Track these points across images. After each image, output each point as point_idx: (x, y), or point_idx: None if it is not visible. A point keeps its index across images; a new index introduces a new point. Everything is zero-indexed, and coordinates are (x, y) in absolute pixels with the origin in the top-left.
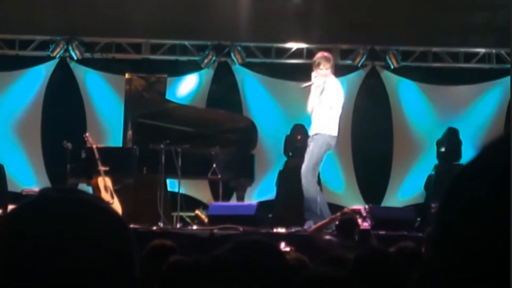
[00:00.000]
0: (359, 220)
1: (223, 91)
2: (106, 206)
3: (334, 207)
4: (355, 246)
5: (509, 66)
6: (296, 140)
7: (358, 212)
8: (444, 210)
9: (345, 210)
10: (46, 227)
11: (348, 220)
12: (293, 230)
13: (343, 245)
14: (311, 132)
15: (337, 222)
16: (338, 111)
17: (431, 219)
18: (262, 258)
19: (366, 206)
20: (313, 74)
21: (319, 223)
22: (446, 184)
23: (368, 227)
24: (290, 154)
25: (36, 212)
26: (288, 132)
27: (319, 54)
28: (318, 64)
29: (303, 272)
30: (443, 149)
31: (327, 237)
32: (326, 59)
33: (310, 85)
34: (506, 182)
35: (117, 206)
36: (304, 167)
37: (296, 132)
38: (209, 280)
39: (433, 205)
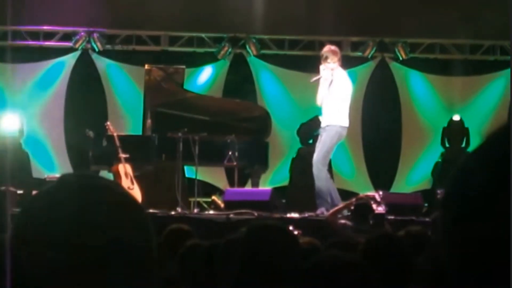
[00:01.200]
0: (374, 205)
1: (239, 81)
2: (124, 191)
3: (345, 193)
4: (369, 230)
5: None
6: (311, 130)
7: (372, 197)
8: (451, 198)
9: (360, 195)
10: (66, 211)
11: (363, 205)
12: (306, 215)
13: (358, 229)
14: (322, 123)
15: (352, 207)
16: (348, 102)
17: (438, 205)
18: (276, 242)
19: (381, 192)
20: (321, 67)
21: (335, 208)
22: (452, 171)
23: (383, 212)
24: (310, 141)
25: (56, 197)
26: (303, 121)
27: (326, 48)
28: (326, 58)
29: (314, 256)
30: (449, 137)
31: (342, 221)
32: (333, 52)
33: (318, 79)
34: (510, 170)
35: (137, 192)
36: (315, 156)
37: (311, 122)
38: (224, 263)
39: (438, 191)
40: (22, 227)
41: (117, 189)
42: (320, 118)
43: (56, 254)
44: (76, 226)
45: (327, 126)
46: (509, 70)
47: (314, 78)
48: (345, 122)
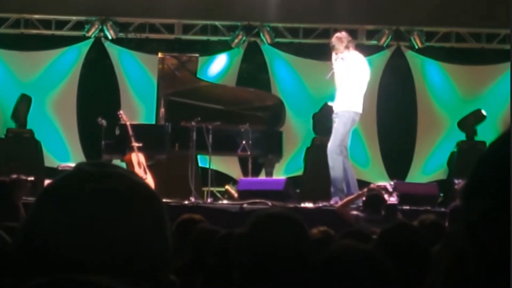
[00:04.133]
0: (386, 196)
1: (253, 70)
2: (140, 180)
3: (360, 183)
4: (382, 221)
5: None
6: (324, 119)
7: (384, 188)
8: (472, 188)
9: (371, 186)
10: (81, 200)
11: (375, 196)
12: (320, 205)
13: (370, 220)
14: (335, 109)
15: (363, 198)
16: (362, 87)
17: (456, 196)
18: (281, 232)
19: (392, 182)
20: (333, 57)
21: (346, 199)
22: (472, 163)
23: (395, 202)
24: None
25: (71, 185)
26: (316, 111)
27: (333, 37)
28: (333, 47)
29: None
30: (465, 128)
31: (354, 212)
32: (338, 39)
33: (333, 73)
34: None
35: (150, 181)
36: (329, 145)
37: (324, 110)
38: (234, 256)
39: (456, 181)
40: (38, 214)
41: (133, 178)
42: (326, 104)
43: (72, 241)
44: (92, 214)
45: (340, 111)
46: None
47: (329, 75)
48: (359, 108)
